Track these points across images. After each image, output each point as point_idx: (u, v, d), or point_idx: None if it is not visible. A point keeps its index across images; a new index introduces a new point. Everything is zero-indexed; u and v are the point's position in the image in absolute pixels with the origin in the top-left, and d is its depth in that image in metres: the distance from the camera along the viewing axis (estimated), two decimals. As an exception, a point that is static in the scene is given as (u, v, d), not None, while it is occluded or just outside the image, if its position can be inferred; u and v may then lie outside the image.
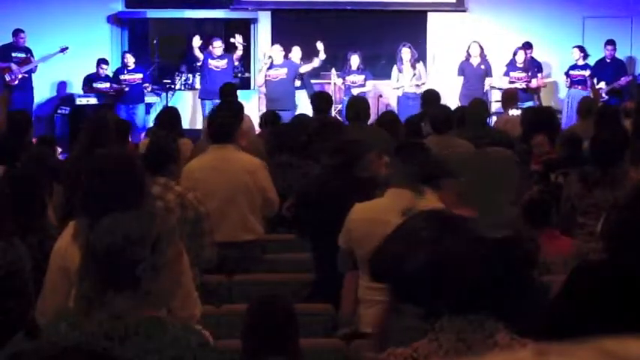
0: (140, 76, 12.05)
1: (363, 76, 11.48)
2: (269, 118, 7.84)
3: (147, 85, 12.16)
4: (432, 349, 2.22)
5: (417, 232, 3.20)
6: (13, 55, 11.75)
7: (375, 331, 3.45)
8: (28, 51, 11.86)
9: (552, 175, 5.60)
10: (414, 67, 11.45)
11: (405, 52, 11.43)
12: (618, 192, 2.73)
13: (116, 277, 2.31)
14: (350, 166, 4.72)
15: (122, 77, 11.96)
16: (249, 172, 5.16)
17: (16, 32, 11.79)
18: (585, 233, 4.63)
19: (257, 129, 8.52)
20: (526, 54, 11.78)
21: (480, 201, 3.11)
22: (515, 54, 11.77)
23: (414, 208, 3.57)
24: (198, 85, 12.71)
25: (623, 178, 4.62)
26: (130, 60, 12.02)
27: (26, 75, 11.78)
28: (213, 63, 11.57)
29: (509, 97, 9.18)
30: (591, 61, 12.16)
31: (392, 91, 11.85)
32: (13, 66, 11.64)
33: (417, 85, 11.23)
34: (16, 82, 11.64)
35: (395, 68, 11.53)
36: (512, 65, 11.76)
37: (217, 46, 11.64)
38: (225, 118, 5.44)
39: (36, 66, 11.90)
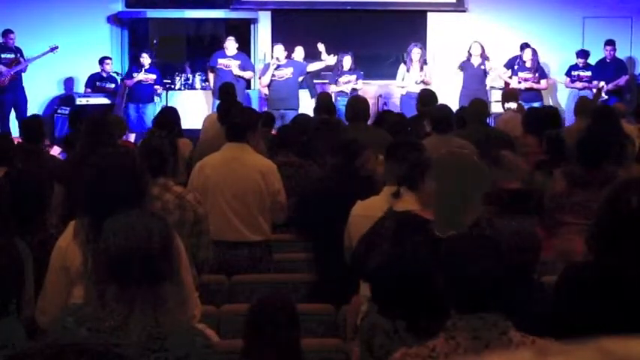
0: (154, 76, 12.02)
1: (354, 76, 11.57)
2: (268, 118, 7.86)
3: (158, 87, 12.13)
4: (451, 348, 2.23)
5: (379, 233, 3.24)
6: (2, 56, 11.64)
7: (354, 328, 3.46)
8: (17, 51, 11.73)
9: (537, 172, 5.58)
10: (421, 68, 11.47)
11: (416, 52, 11.46)
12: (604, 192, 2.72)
13: (136, 276, 2.31)
14: (350, 164, 4.72)
15: (136, 75, 11.90)
16: (262, 174, 5.09)
17: (6, 33, 11.67)
18: (573, 232, 4.60)
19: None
20: (532, 54, 11.75)
21: (444, 202, 3.14)
22: (521, 49, 11.74)
23: (391, 209, 3.59)
24: (198, 85, 12.75)
25: (611, 178, 4.56)
26: (147, 60, 12.00)
27: (16, 76, 11.66)
28: (223, 62, 11.57)
29: (509, 94, 9.20)
30: (592, 61, 12.16)
31: (394, 90, 11.85)
32: (2, 67, 11.52)
33: (423, 82, 11.20)
34: (6, 84, 11.52)
35: (401, 67, 11.55)
36: (520, 66, 11.74)
37: (230, 43, 11.70)
38: (242, 117, 5.33)
39: (26, 66, 11.76)
